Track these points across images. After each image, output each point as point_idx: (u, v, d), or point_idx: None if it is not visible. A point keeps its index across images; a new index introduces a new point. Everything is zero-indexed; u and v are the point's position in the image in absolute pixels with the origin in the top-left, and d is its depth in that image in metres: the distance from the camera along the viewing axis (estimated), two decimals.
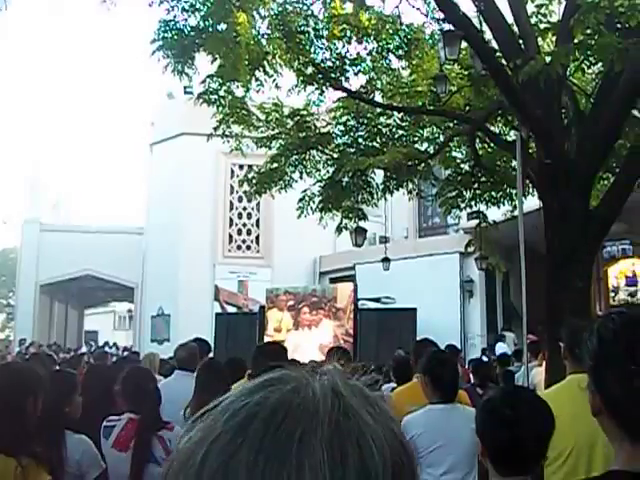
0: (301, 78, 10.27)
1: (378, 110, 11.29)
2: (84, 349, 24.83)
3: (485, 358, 14.78)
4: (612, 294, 22.46)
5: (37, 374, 3.42)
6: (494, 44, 8.18)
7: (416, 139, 11.77)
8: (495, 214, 12.81)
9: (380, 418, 0.67)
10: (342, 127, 11.75)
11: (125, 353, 22.33)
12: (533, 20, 8.84)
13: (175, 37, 8.82)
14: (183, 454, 0.66)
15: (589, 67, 8.20)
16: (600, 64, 7.67)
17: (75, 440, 3.79)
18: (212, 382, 4.53)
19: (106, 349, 24.57)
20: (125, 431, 4.14)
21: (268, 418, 0.63)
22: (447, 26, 8.16)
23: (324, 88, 10.51)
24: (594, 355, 1.60)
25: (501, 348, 16.49)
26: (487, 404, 2.45)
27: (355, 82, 10.64)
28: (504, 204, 11.96)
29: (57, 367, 7.44)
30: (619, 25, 7.12)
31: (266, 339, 16.33)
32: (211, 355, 8.12)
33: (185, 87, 11.18)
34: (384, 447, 0.64)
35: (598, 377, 1.60)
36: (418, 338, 7.61)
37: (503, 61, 7.78)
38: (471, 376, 9.99)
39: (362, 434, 0.64)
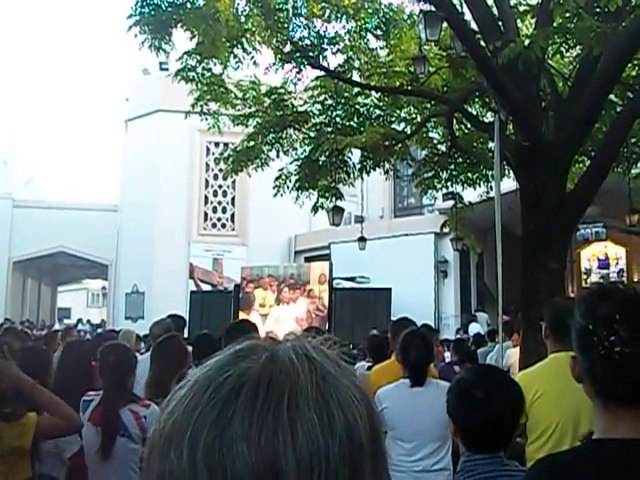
0: (279, 56, 10.21)
1: (356, 90, 11.25)
2: (57, 326, 24.67)
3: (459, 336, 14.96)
4: (584, 276, 22.79)
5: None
6: (474, 26, 8.18)
7: (393, 119, 11.76)
8: (471, 195, 12.88)
9: (347, 377, 0.71)
10: (319, 106, 11.69)
11: (99, 330, 22.27)
12: (513, 2, 8.87)
13: (152, 12, 8.71)
14: (169, 430, 0.67)
15: (567, 50, 8.24)
16: (579, 48, 7.70)
17: None
18: (164, 359, 4.53)
19: (79, 326, 24.47)
20: (100, 406, 4.13)
21: (254, 388, 0.65)
22: (426, 6, 8.14)
23: (302, 66, 10.45)
24: (578, 324, 1.64)
25: (475, 328, 16.65)
26: (458, 385, 2.47)
27: (333, 61, 10.62)
28: (480, 186, 12.02)
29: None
30: (598, 9, 7.17)
31: (253, 314, 17.66)
32: (185, 332, 8.11)
33: (161, 63, 11.10)
34: (359, 403, 0.68)
35: (580, 345, 1.64)
36: (395, 317, 7.64)
37: (482, 43, 7.78)
38: (447, 354, 10.11)
39: (340, 393, 0.68)
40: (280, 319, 17.26)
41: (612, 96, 8.83)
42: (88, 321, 30.43)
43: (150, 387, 4.39)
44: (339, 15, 10.05)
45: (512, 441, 2.37)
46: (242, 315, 17.79)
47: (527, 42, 6.96)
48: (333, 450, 0.64)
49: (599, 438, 1.61)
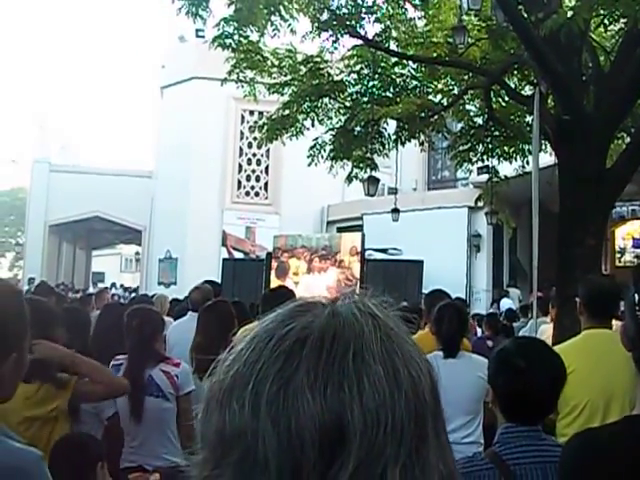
0: (316, 24, 10.13)
1: (393, 60, 11.15)
2: (92, 290, 25.01)
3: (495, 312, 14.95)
4: (618, 255, 22.44)
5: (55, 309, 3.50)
6: None
7: (430, 90, 11.65)
8: (506, 169, 12.74)
9: (410, 338, 0.71)
10: (356, 76, 11.61)
11: (133, 294, 22.52)
12: None
13: None
14: (229, 382, 0.67)
15: (611, 23, 8.06)
16: (623, 20, 7.54)
17: None
18: (213, 323, 4.57)
19: (113, 290, 24.77)
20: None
21: (319, 340, 0.65)
22: None
23: (339, 35, 10.35)
24: (630, 292, 1.62)
25: (506, 304, 16.56)
26: (500, 353, 2.47)
27: (370, 30, 10.50)
28: (516, 160, 11.88)
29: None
30: None
31: (287, 281, 17.95)
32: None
33: (197, 30, 11.05)
34: (420, 361, 0.69)
35: (630, 313, 1.63)
36: (428, 290, 7.62)
37: (524, 14, 7.64)
38: (478, 329, 10.06)
39: (404, 350, 0.68)
40: (310, 287, 17.60)
41: None
42: (121, 285, 30.82)
43: (197, 350, 4.44)
44: None
45: (552, 415, 2.35)
46: (277, 282, 17.83)
47: (570, 14, 6.82)
48: (399, 404, 0.63)
49: (638, 414, 1.59)
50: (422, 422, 0.65)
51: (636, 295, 1.57)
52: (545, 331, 6.96)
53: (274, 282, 18.20)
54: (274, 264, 19.68)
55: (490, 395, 2.45)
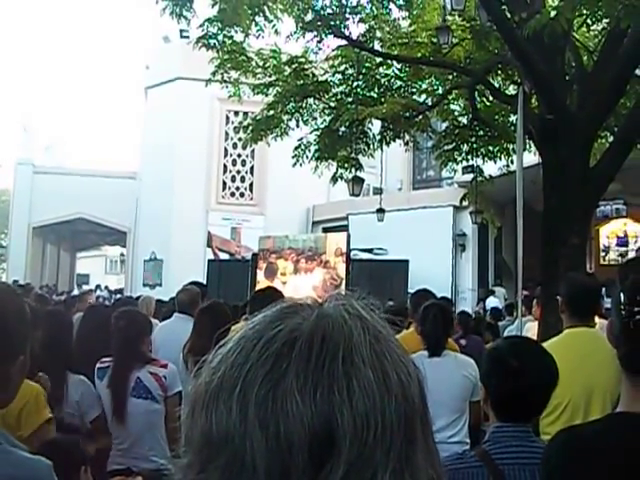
0: (300, 25, 10.12)
1: (377, 60, 11.16)
2: (76, 292, 24.87)
3: (480, 311, 15.07)
4: (603, 253, 22.59)
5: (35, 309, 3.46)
6: None
7: (414, 90, 11.67)
8: (491, 169, 12.79)
9: (394, 340, 0.70)
10: (340, 76, 11.62)
11: (118, 295, 22.44)
12: None
13: None
14: (215, 384, 0.66)
15: (594, 23, 8.10)
16: (606, 21, 7.57)
17: (75, 381, 3.82)
18: (209, 325, 4.55)
19: (97, 292, 24.66)
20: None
21: (308, 342, 0.64)
22: None
23: (323, 36, 10.36)
24: (613, 298, 1.63)
25: (492, 302, 16.62)
26: (493, 353, 2.47)
27: (355, 31, 10.52)
28: (500, 159, 11.93)
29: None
30: None
31: (276, 281, 18.35)
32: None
33: (182, 31, 11.02)
34: (408, 364, 0.68)
35: (615, 311, 1.63)
36: (413, 290, 7.63)
37: (508, 14, 7.67)
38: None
39: (393, 353, 0.67)
40: (297, 287, 18.00)
41: (638, 71, 8.70)
42: (106, 287, 30.67)
43: (194, 352, 4.43)
44: None
45: (541, 413, 2.36)
46: (266, 283, 17.99)
47: (553, 14, 6.85)
48: (389, 408, 0.63)
49: (622, 411, 1.59)
50: (411, 426, 0.64)
51: (622, 293, 1.58)
52: (530, 329, 6.99)
53: (262, 283, 18.30)
54: (262, 265, 19.73)
55: (482, 394, 2.46)
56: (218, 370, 0.66)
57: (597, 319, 3.85)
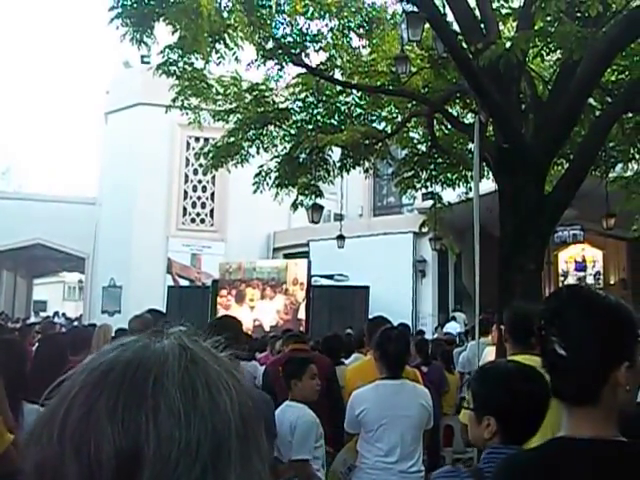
0: (261, 52, 10.18)
1: (337, 88, 11.26)
2: (33, 319, 24.48)
3: (436, 335, 15.12)
4: (561, 278, 22.94)
5: None
6: (456, 27, 8.21)
7: (374, 118, 11.80)
8: (450, 196, 12.93)
9: (223, 365, 0.74)
10: (301, 103, 11.70)
11: (75, 323, 22.12)
12: (495, 5, 8.91)
13: (134, 5, 8.66)
14: (46, 413, 0.69)
15: (548, 54, 8.28)
16: (559, 52, 7.75)
17: (30, 410, 3.75)
18: (51, 356, 4.51)
19: (55, 319, 24.28)
20: None
21: (123, 369, 0.68)
22: (409, 7, 8.15)
23: (284, 63, 10.44)
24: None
25: (451, 328, 16.70)
26: (499, 375, 2.50)
27: (315, 59, 10.62)
28: (459, 186, 12.09)
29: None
30: (579, 14, 7.23)
31: (244, 307, 19.43)
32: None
33: (142, 56, 11.02)
34: (230, 387, 0.71)
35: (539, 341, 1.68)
36: (371, 316, 7.65)
37: (464, 45, 7.81)
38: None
39: (209, 375, 0.71)
40: (263, 311, 19.38)
41: (591, 100, 8.91)
42: (63, 314, 30.21)
43: None
44: (322, 13, 10.07)
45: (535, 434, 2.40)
46: (236, 307, 19.23)
47: (508, 45, 7.00)
48: (194, 422, 0.66)
49: (559, 436, 1.63)
50: (222, 443, 0.67)
51: (542, 320, 1.63)
52: (489, 353, 7.02)
53: (233, 307, 19.26)
54: (233, 291, 20.04)
55: (472, 416, 2.46)
56: (49, 403, 0.70)
57: None
